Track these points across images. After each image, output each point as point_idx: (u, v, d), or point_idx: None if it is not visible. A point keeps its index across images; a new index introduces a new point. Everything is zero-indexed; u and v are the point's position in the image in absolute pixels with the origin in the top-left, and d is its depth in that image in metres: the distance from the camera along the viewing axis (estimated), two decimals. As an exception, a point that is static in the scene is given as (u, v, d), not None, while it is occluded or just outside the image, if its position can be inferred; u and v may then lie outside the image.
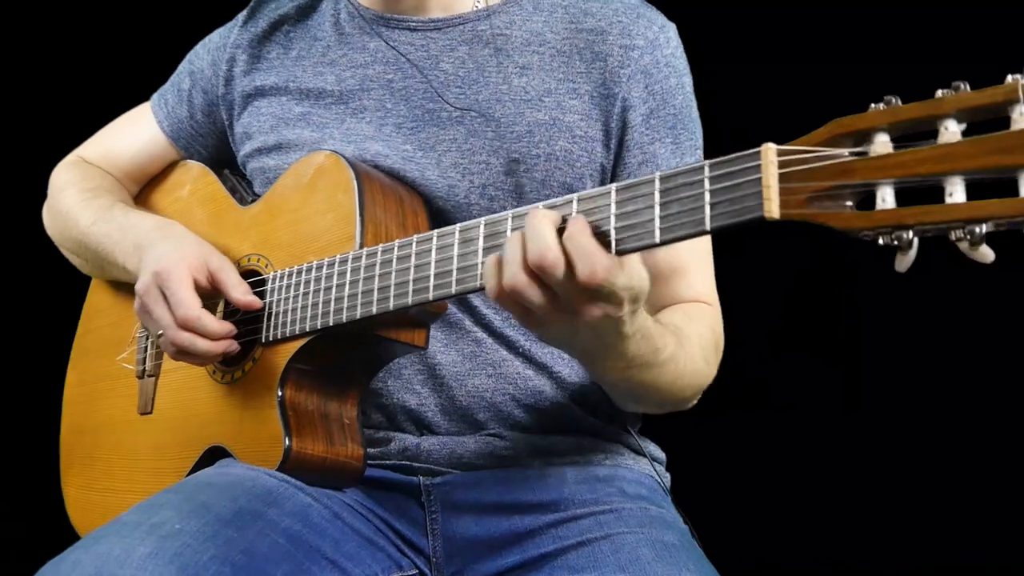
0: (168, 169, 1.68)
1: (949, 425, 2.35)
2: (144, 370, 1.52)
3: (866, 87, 0.98)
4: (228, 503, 1.25)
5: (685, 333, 1.28)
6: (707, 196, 0.98)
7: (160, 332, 1.35)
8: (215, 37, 1.64)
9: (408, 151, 1.40)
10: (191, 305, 1.33)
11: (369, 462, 1.35)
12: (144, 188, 1.71)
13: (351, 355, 1.34)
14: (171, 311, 1.34)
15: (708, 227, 0.98)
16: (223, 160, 1.63)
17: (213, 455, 1.40)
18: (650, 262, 1.36)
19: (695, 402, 1.35)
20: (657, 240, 1.01)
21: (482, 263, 1.13)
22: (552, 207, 1.09)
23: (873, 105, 0.94)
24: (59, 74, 2.69)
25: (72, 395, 1.68)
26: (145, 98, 1.73)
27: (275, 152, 1.48)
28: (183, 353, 1.34)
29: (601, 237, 1.03)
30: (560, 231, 1.03)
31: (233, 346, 1.35)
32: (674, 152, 1.41)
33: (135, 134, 1.70)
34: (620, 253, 1.03)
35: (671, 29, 1.46)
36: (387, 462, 1.38)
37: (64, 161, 1.75)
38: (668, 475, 1.49)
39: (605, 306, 1.04)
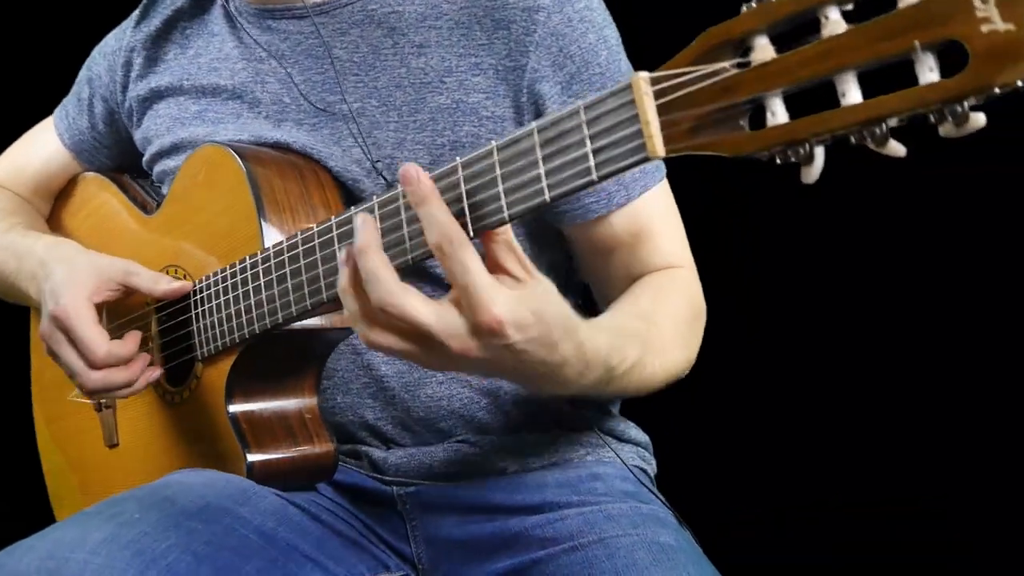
0: (71, 185, 1.63)
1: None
2: (101, 403, 1.50)
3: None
4: (195, 499, 1.20)
5: (656, 321, 1.19)
6: (588, 143, 0.90)
7: (71, 374, 1.32)
8: (110, 40, 1.56)
9: (310, 143, 1.32)
10: (97, 343, 1.29)
11: (342, 464, 1.33)
12: (54, 209, 1.65)
13: (291, 353, 1.29)
14: (80, 354, 1.30)
15: (595, 176, 0.90)
16: (128, 167, 1.56)
17: (184, 477, 1.39)
18: (607, 232, 1.29)
19: (680, 377, 1.26)
20: (547, 197, 0.93)
21: (386, 244, 1.07)
22: (439, 178, 1.01)
23: (744, 5, 0.84)
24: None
25: (44, 436, 1.67)
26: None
27: (173, 153, 1.42)
28: (101, 392, 1.31)
29: (490, 202, 0.96)
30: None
31: (155, 373, 1.32)
32: None
33: (38, 149, 1.64)
34: (512, 218, 0.96)
35: None
36: (360, 471, 1.35)
37: None
38: (653, 461, 1.44)
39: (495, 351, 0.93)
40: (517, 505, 1.30)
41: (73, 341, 1.30)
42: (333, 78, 1.32)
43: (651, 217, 1.31)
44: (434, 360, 0.96)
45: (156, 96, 1.46)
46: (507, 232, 0.97)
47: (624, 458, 1.37)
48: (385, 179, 1.29)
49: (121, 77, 1.50)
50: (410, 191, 0.95)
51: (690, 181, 1.40)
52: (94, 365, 1.29)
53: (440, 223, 0.94)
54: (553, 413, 1.35)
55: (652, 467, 1.43)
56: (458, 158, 0.99)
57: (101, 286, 1.34)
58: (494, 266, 0.97)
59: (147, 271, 1.35)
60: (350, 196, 1.31)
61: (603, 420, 1.40)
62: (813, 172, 0.84)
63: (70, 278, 1.34)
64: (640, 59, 0.95)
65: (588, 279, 1.39)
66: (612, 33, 1.32)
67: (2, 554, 1.10)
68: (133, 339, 1.32)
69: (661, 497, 1.33)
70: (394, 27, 1.31)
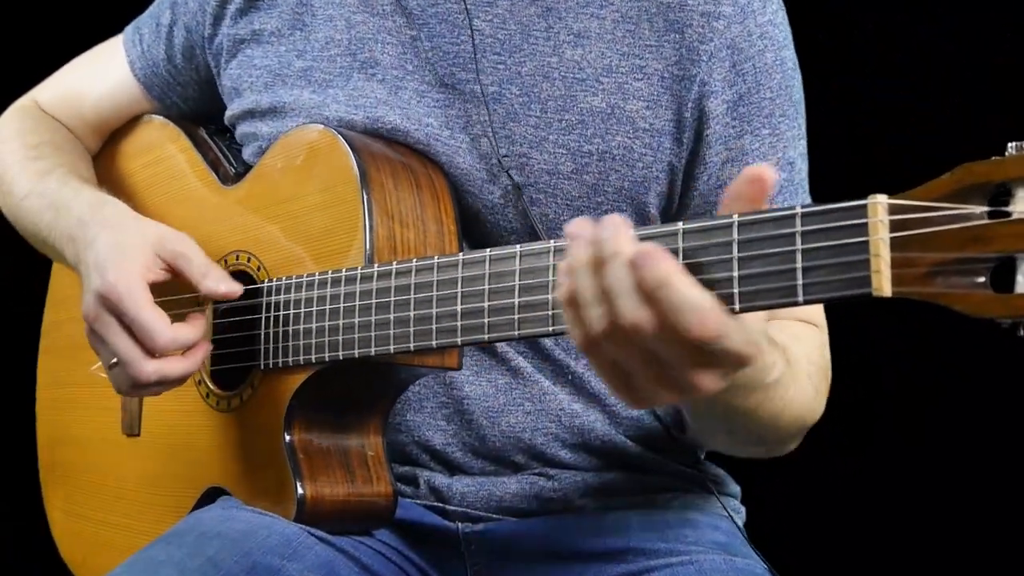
0: (133, 125, 1.63)
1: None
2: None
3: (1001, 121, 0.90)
4: (240, 558, 1.23)
5: (792, 353, 1.21)
6: (799, 257, 0.92)
7: (114, 362, 1.33)
8: None
9: (432, 127, 1.34)
10: (158, 329, 1.29)
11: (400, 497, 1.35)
12: (107, 147, 1.66)
13: (368, 384, 1.32)
14: (135, 341, 1.30)
15: (800, 298, 0.92)
16: (204, 114, 1.57)
17: (214, 493, 1.42)
18: None
19: (795, 445, 1.29)
20: (736, 307, 0.95)
21: (519, 306, 1.09)
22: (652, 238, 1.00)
23: (1012, 146, 0.86)
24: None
25: (44, 401, 1.70)
26: (120, 29, 1.65)
27: (269, 117, 1.43)
28: (153, 387, 1.32)
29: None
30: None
31: (208, 349, 1.35)
32: (773, 146, 1.33)
33: (101, 75, 1.64)
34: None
35: None
36: (418, 501, 1.38)
37: (15, 105, 1.71)
38: (743, 509, 1.48)
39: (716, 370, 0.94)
40: (597, 550, 1.34)
41: (127, 325, 1.31)
42: (469, 52, 1.33)
43: None
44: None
45: (254, 39, 1.45)
46: None
47: (714, 505, 1.41)
48: (512, 180, 1.31)
49: (215, 7, 1.48)
50: (647, 272, 0.89)
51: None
52: (152, 353, 1.30)
53: (697, 305, 0.90)
54: (642, 458, 1.39)
55: (742, 516, 1.48)
56: (680, 223, 0.97)
57: (153, 262, 1.34)
58: None
59: (201, 257, 1.34)
60: (465, 211, 1.33)
61: (693, 468, 1.44)
62: (1050, 348, 0.87)
63: (118, 249, 1.35)
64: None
65: None
66: (790, 55, 1.37)
67: None
68: (198, 321, 1.34)
69: (759, 553, 1.37)
70: (551, 8, 1.34)
